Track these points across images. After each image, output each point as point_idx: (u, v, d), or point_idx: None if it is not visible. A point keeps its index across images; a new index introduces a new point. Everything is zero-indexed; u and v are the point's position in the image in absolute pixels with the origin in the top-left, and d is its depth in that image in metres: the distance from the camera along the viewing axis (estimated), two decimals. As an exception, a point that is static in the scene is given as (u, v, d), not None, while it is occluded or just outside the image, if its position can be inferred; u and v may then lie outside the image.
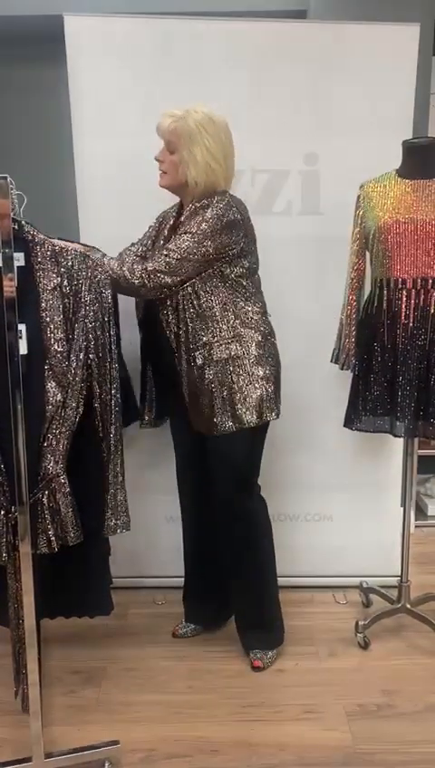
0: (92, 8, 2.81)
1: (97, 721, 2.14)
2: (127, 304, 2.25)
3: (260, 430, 2.28)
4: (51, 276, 1.87)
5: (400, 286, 2.27)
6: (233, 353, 2.17)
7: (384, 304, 2.29)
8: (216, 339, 2.16)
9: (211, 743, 2.05)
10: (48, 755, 1.88)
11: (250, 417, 2.20)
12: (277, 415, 2.26)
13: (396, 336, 2.28)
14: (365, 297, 2.42)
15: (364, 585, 2.75)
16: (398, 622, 2.61)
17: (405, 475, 2.66)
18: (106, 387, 1.95)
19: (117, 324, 2.01)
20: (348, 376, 2.46)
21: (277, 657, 2.42)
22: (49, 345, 1.88)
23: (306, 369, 2.65)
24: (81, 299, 1.89)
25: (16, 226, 1.77)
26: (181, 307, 2.15)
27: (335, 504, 2.83)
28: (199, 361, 2.17)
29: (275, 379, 2.26)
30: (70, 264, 1.88)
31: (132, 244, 2.37)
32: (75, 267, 1.88)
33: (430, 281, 2.25)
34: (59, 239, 1.96)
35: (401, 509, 2.66)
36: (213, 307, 2.16)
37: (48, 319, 1.87)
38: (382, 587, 2.69)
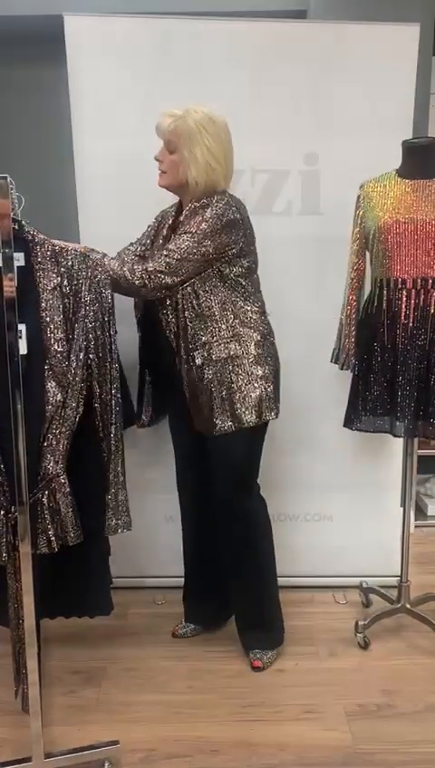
0: (92, 8, 2.80)
1: (97, 721, 2.14)
2: (123, 303, 2.24)
3: (259, 430, 2.28)
4: (51, 276, 1.87)
5: (400, 286, 2.27)
6: (232, 353, 2.17)
7: (384, 304, 2.29)
8: (215, 338, 2.16)
9: (211, 743, 2.05)
10: (48, 755, 1.88)
11: (249, 417, 2.19)
12: (277, 414, 2.26)
13: (396, 336, 2.28)
14: (365, 297, 2.42)
15: (364, 585, 2.75)
16: (398, 622, 2.61)
17: (405, 475, 2.66)
18: (106, 387, 1.95)
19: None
20: (348, 376, 2.45)
21: (277, 657, 2.42)
22: (49, 345, 1.87)
23: (306, 369, 2.65)
24: (81, 299, 1.89)
25: (16, 226, 1.77)
26: (181, 307, 2.15)
27: (335, 504, 2.83)
28: (199, 361, 2.17)
29: (274, 378, 2.26)
30: (70, 263, 1.88)
31: (131, 244, 2.37)
32: (75, 267, 1.88)
33: (430, 281, 2.25)
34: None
35: (401, 509, 2.66)
36: (212, 307, 2.16)
37: (48, 319, 1.87)
38: (382, 587, 2.69)
